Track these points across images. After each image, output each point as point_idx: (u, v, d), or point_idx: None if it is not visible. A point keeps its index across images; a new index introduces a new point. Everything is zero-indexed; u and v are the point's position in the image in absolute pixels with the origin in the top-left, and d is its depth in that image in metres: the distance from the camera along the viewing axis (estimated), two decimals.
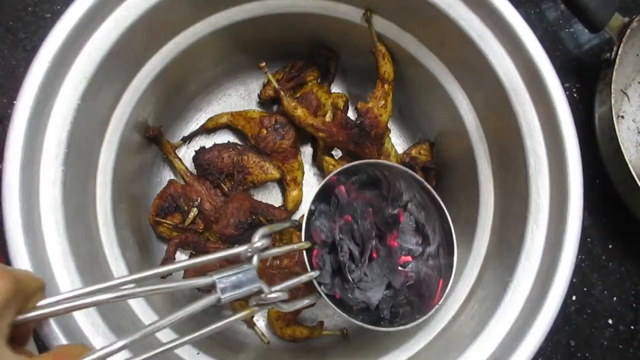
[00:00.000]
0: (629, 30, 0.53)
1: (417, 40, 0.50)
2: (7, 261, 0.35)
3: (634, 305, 0.59)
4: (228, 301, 0.33)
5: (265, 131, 0.55)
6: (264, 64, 0.52)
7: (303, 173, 0.58)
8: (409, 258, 0.47)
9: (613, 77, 0.53)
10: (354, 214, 0.45)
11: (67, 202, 0.39)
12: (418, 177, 0.45)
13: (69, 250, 0.38)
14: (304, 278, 0.39)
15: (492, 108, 0.46)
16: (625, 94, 0.62)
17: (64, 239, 0.38)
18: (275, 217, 0.54)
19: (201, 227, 0.55)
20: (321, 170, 0.61)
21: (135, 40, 0.43)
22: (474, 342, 0.41)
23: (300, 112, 0.53)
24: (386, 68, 0.52)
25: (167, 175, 0.59)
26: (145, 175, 0.56)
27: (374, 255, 0.47)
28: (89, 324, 0.37)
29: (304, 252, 0.41)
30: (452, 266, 0.43)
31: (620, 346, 0.59)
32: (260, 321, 0.57)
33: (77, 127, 0.40)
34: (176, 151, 0.57)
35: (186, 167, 0.56)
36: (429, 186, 0.45)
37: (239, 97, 0.61)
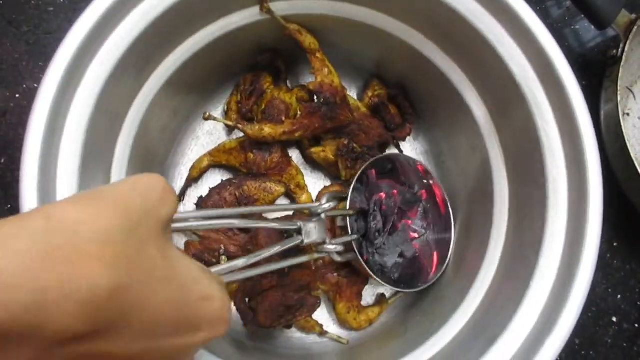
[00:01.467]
0: (635, 28, 0.52)
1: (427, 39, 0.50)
2: None
3: (639, 303, 0.60)
4: (307, 244, 0.44)
5: (251, 155, 0.55)
6: (207, 114, 0.51)
7: (303, 175, 0.58)
8: (416, 235, 0.56)
9: (619, 74, 0.53)
10: (380, 194, 0.53)
11: None
12: (423, 164, 0.54)
13: None
14: (348, 238, 0.49)
15: (503, 101, 0.47)
16: (631, 91, 0.62)
17: None
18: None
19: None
20: (315, 165, 0.61)
21: (98, 127, 0.41)
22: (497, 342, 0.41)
23: (267, 129, 0.52)
24: (308, 40, 0.52)
25: (178, 239, 0.57)
26: None
27: (397, 226, 0.55)
28: None
29: (347, 218, 0.51)
30: (449, 244, 0.54)
31: (625, 344, 0.59)
32: (331, 327, 0.58)
33: None
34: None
35: None
36: (423, 168, 0.54)
37: (208, 135, 0.60)
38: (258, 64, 0.57)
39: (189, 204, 0.58)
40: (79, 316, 0.18)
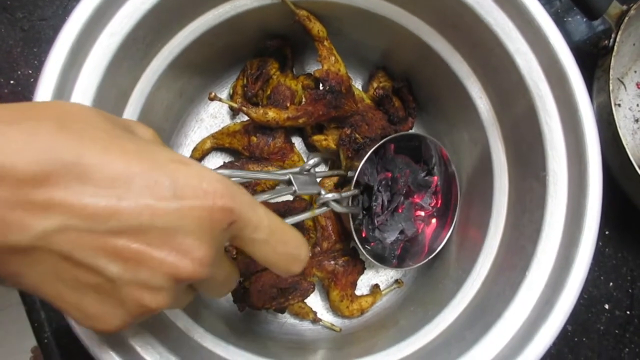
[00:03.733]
0: (626, 18, 0.53)
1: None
2: None
3: (630, 290, 0.60)
4: (300, 194, 0.43)
5: (254, 138, 0.55)
6: (213, 94, 0.50)
7: (304, 162, 0.58)
8: (421, 213, 0.57)
9: (611, 64, 0.54)
10: (394, 169, 0.54)
11: None
12: (436, 141, 0.53)
13: (139, 326, 0.37)
14: (349, 193, 0.50)
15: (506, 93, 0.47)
16: (622, 82, 0.63)
17: None
18: (298, 210, 0.54)
19: (234, 252, 0.54)
20: (317, 152, 0.61)
21: (105, 100, 0.41)
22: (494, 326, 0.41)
23: (271, 114, 0.52)
24: (317, 27, 0.52)
25: None
26: None
27: (399, 210, 0.55)
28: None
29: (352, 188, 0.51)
30: (444, 231, 0.54)
31: (617, 331, 0.60)
32: (325, 315, 0.58)
33: None
34: None
35: None
36: (447, 154, 0.54)
37: (211, 117, 0.60)
38: (266, 49, 0.57)
39: None
40: (35, 160, 0.22)
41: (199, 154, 0.57)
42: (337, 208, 0.47)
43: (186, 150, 0.59)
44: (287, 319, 0.57)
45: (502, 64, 0.45)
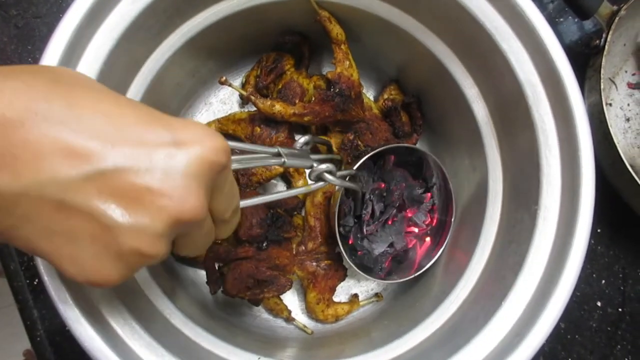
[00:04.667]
0: (617, 19, 0.54)
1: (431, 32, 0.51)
2: None
3: (622, 288, 0.61)
4: (289, 166, 0.44)
5: (258, 129, 0.55)
6: (224, 78, 0.51)
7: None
8: (414, 230, 0.56)
9: (602, 64, 0.55)
10: (390, 181, 0.54)
11: None
12: (438, 161, 0.53)
13: (112, 290, 0.37)
14: (347, 172, 0.49)
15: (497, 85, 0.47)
16: (613, 82, 0.64)
17: None
18: (289, 205, 0.54)
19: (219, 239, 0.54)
20: (318, 154, 0.62)
21: (117, 67, 0.42)
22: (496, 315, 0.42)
23: (278, 107, 0.53)
24: (336, 30, 0.52)
25: None
26: None
27: (389, 222, 0.56)
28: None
29: (342, 191, 0.51)
30: (436, 250, 0.54)
31: (609, 328, 0.60)
32: (299, 315, 0.58)
33: None
34: None
35: None
36: (445, 172, 0.53)
37: (221, 103, 0.60)
38: (284, 44, 0.58)
39: None
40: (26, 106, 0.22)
41: None
42: (333, 180, 0.44)
43: None
44: (262, 313, 0.57)
45: (512, 94, 0.45)
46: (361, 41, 0.56)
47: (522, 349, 0.37)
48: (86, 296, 0.36)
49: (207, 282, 0.49)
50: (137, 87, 0.46)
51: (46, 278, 0.33)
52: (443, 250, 0.53)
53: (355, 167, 0.52)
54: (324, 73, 0.61)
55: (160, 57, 0.47)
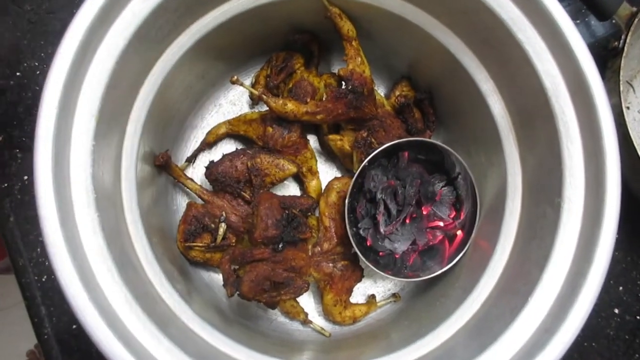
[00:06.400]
0: (636, 20, 0.53)
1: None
2: (78, 323, 0.33)
3: None
4: None
5: (270, 129, 0.54)
6: (235, 77, 0.50)
7: (316, 161, 0.58)
8: (439, 224, 0.55)
9: (621, 65, 0.53)
10: (406, 178, 0.53)
11: (112, 248, 0.37)
12: (455, 153, 0.52)
13: (130, 295, 0.37)
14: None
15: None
16: (630, 85, 0.62)
17: (122, 286, 0.36)
18: (304, 206, 0.54)
19: (233, 241, 0.54)
20: (329, 155, 0.61)
21: (129, 67, 0.41)
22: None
23: (290, 106, 0.52)
24: (347, 26, 0.52)
25: (182, 201, 0.57)
26: (163, 206, 0.54)
27: (407, 220, 0.54)
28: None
29: (346, 201, 0.51)
30: (467, 242, 0.52)
31: (627, 336, 0.59)
32: (316, 318, 0.57)
33: (97, 169, 0.38)
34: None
35: (200, 186, 0.54)
36: (464, 163, 0.52)
37: (230, 104, 0.60)
38: (294, 42, 0.57)
39: (199, 168, 0.58)
40: None
41: (213, 138, 0.57)
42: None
43: (200, 132, 0.58)
44: (278, 316, 0.56)
45: (529, 85, 0.44)
46: (372, 38, 0.55)
47: (553, 345, 0.36)
48: (103, 301, 0.35)
49: (223, 285, 0.48)
50: (149, 88, 0.46)
51: (64, 282, 0.32)
52: (470, 243, 0.52)
53: (366, 161, 0.51)
54: (335, 72, 0.60)
55: (170, 58, 0.47)
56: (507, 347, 0.39)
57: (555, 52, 0.42)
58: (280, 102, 0.52)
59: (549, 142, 0.44)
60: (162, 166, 0.51)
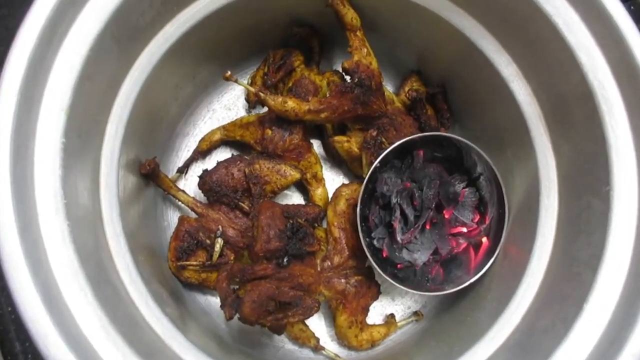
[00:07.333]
0: None
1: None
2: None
3: None
4: None
5: (269, 131, 0.49)
6: (229, 73, 0.45)
7: (321, 166, 0.52)
8: (462, 230, 0.48)
9: None
10: (423, 179, 0.47)
11: (85, 263, 0.31)
12: (477, 148, 0.46)
13: (107, 319, 0.30)
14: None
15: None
16: None
17: (97, 308, 0.30)
18: (310, 215, 0.48)
19: (232, 258, 0.47)
20: (335, 160, 0.55)
21: (107, 57, 0.36)
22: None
23: (291, 104, 0.47)
24: (350, 14, 0.47)
25: (173, 216, 0.51)
26: (151, 221, 0.48)
27: (427, 226, 0.48)
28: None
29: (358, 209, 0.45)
30: (496, 248, 0.46)
31: None
32: (329, 343, 0.50)
33: (68, 171, 0.33)
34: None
35: (193, 198, 0.49)
36: (489, 160, 0.46)
37: (225, 109, 0.55)
38: (292, 37, 0.53)
39: (191, 179, 0.53)
40: None
41: (207, 145, 0.52)
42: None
43: (193, 140, 0.53)
44: (285, 343, 0.49)
45: (560, 62, 0.39)
46: (376, 30, 0.50)
47: (625, 357, 0.30)
48: (72, 326, 0.28)
49: (221, 307, 0.41)
50: (132, 83, 0.41)
51: (20, 301, 0.26)
52: (500, 249, 0.46)
53: (377, 162, 0.45)
54: (338, 69, 0.55)
55: (155, 51, 0.42)
56: None
57: (589, 22, 0.37)
58: (280, 99, 0.47)
59: (587, 124, 0.38)
60: (149, 175, 0.46)
